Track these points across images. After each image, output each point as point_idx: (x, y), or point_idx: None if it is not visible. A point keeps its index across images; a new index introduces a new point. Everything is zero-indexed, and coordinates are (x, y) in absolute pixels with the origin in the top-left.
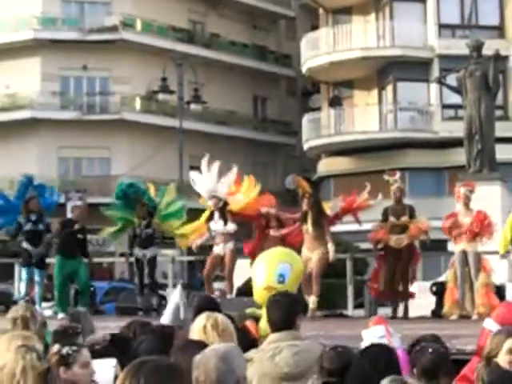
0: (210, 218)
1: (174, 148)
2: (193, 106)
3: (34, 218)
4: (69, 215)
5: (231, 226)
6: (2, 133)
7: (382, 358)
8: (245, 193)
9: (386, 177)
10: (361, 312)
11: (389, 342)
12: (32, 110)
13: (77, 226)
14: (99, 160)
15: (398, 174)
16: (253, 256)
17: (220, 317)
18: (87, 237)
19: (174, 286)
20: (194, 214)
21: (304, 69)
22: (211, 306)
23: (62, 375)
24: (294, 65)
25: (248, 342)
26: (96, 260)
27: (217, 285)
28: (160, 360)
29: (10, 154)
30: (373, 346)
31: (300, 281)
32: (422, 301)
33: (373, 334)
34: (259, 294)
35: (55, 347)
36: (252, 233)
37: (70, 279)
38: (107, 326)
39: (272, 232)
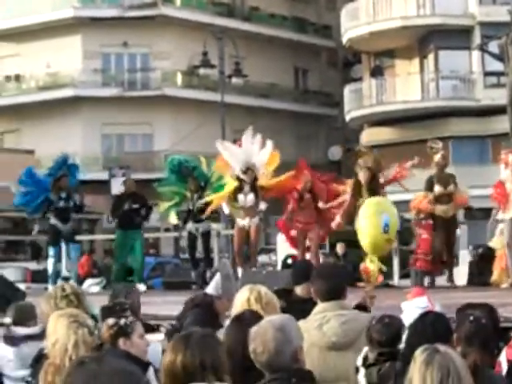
0: (239, 190)
1: (216, 122)
2: (234, 80)
3: (64, 195)
4: (114, 191)
5: (262, 205)
6: (45, 112)
7: (439, 325)
8: (265, 166)
9: (430, 144)
10: (407, 282)
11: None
12: (74, 88)
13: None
14: (142, 136)
15: (440, 143)
16: (286, 231)
17: (263, 289)
18: (151, 207)
19: (220, 259)
20: None
21: (344, 39)
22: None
23: (122, 346)
24: (335, 36)
25: None
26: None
27: (260, 258)
28: (202, 331)
29: (53, 132)
30: (429, 313)
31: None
32: (463, 268)
33: (416, 304)
34: (378, 246)
35: (110, 320)
36: (283, 205)
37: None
38: (154, 302)
39: (321, 205)
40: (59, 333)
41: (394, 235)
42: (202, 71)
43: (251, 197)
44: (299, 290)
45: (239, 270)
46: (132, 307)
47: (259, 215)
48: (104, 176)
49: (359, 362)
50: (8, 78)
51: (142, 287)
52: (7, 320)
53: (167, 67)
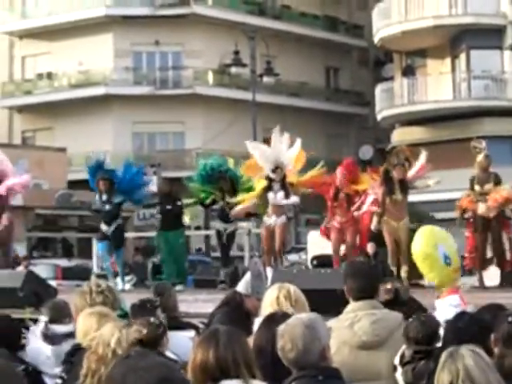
0: (269, 188)
1: (247, 121)
2: (265, 79)
3: (104, 198)
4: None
5: (294, 199)
6: (77, 110)
7: (474, 325)
8: (293, 164)
9: (473, 143)
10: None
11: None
12: (105, 87)
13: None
14: (173, 134)
15: (484, 143)
16: (328, 236)
17: (292, 287)
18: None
19: (251, 258)
20: None
21: (376, 39)
22: None
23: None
24: (366, 35)
25: None
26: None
27: (290, 257)
28: (227, 328)
29: (84, 130)
30: (465, 313)
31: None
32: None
33: (448, 302)
34: (449, 279)
35: (153, 320)
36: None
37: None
38: (185, 300)
39: (356, 213)
40: (104, 329)
41: (457, 261)
42: (233, 70)
43: (281, 194)
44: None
45: (268, 269)
46: (169, 305)
47: (285, 213)
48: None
49: (397, 360)
50: (40, 76)
51: (179, 287)
52: (44, 318)
53: (199, 66)
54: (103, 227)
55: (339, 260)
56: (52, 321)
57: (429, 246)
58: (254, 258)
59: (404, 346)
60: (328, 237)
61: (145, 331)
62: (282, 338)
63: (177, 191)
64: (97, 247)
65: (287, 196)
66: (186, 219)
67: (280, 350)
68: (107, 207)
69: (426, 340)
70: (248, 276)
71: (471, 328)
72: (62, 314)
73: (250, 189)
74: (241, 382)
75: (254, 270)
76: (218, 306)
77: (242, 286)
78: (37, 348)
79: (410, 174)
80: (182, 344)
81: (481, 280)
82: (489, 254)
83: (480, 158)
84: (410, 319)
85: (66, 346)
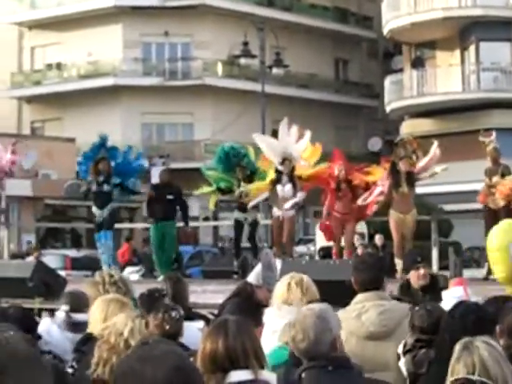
0: (278, 180)
1: (257, 112)
2: (274, 70)
3: (101, 179)
4: (153, 180)
5: (300, 195)
6: (86, 100)
7: (470, 315)
8: (306, 159)
9: (480, 138)
10: (446, 274)
11: None
12: (114, 77)
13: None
14: (182, 125)
15: (493, 135)
16: (327, 234)
17: (305, 277)
18: (185, 200)
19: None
20: None
21: (385, 30)
22: None
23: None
24: (375, 26)
25: None
26: (180, 225)
27: (298, 248)
28: (236, 318)
29: (93, 121)
30: (461, 303)
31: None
32: None
33: (451, 294)
34: None
35: (174, 313)
36: (321, 196)
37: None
38: (194, 290)
39: (360, 202)
40: (117, 318)
41: None
42: (242, 61)
43: (289, 187)
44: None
45: (277, 261)
46: (181, 295)
47: (295, 207)
48: (144, 165)
49: (400, 349)
50: (49, 67)
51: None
52: (64, 307)
53: (208, 57)
54: (96, 212)
55: (338, 251)
56: (72, 310)
57: (504, 240)
58: (265, 249)
59: (408, 335)
60: (326, 232)
61: (167, 327)
62: (294, 328)
63: (177, 182)
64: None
65: (295, 189)
66: (211, 206)
67: (291, 341)
68: (105, 188)
69: (430, 329)
70: (259, 267)
71: (467, 318)
72: (81, 303)
73: (262, 179)
74: (250, 372)
75: (264, 260)
76: (229, 296)
77: (252, 277)
78: (59, 337)
79: (420, 165)
80: (191, 334)
81: (488, 272)
82: None
83: (488, 150)
84: (416, 308)
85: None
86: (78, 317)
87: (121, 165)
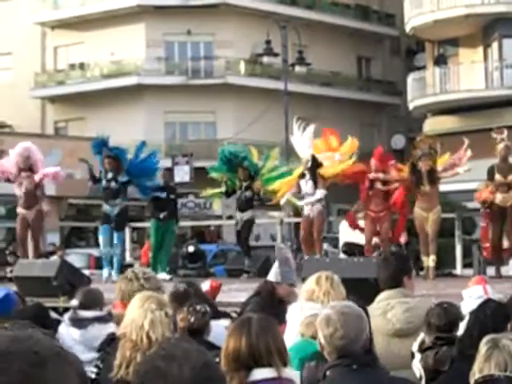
0: (303, 176)
1: (279, 110)
2: (297, 68)
3: (109, 176)
4: (177, 178)
5: (319, 193)
6: (109, 99)
7: (500, 313)
8: (343, 154)
9: (493, 134)
10: (470, 271)
11: None
12: (137, 76)
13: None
14: (205, 124)
15: (505, 132)
16: (354, 226)
17: (335, 275)
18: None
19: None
20: None
21: (408, 28)
22: None
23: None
24: (398, 24)
25: None
26: (204, 223)
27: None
28: (259, 315)
29: (116, 120)
30: (490, 301)
31: None
32: None
33: (471, 294)
34: None
35: (202, 308)
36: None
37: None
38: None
39: (379, 185)
40: (136, 312)
41: None
42: (265, 59)
43: (310, 184)
44: None
45: (306, 258)
46: (200, 294)
47: (321, 201)
48: (167, 164)
49: (415, 347)
50: (72, 66)
51: (165, 276)
52: (74, 303)
53: (230, 55)
54: (105, 207)
55: (371, 250)
56: (83, 307)
57: None
58: (279, 244)
59: (422, 334)
60: (354, 226)
61: (192, 319)
62: (333, 325)
63: (205, 179)
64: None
65: (316, 186)
66: (214, 207)
67: (325, 336)
68: (113, 185)
69: (447, 327)
70: (276, 264)
71: (496, 316)
72: (94, 301)
73: (272, 179)
74: (273, 370)
75: (280, 256)
76: (251, 295)
77: (271, 275)
78: (65, 332)
79: (448, 163)
80: (219, 332)
81: (497, 270)
82: (505, 243)
83: (499, 148)
84: (432, 306)
85: (95, 331)
86: (87, 313)
87: (133, 164)
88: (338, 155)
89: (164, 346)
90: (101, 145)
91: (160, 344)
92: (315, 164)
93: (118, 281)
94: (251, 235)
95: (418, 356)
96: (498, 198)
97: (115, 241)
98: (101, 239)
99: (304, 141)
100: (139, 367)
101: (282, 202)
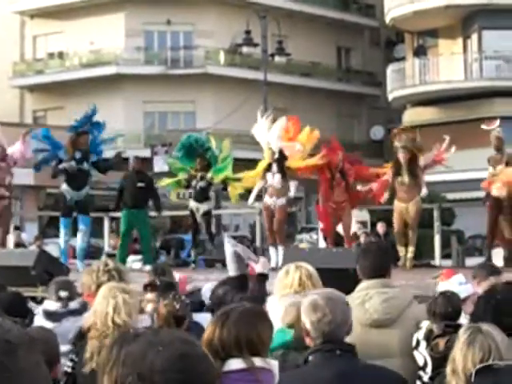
0: (268, 169)
1: (259, 101)
2: (277, 59)
3: (78, 155)
4: (156, 168)
5: (292, 188)
6: (88, 89)
7: (509, 296)
8: (303, 144)
9: (483, 126)
10: (448, 262)
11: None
12: (117, 66)
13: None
14: (184, 114)
15: (497, 123)
16: (326, 225)
17: (310, 267)
18: (156, 188)
19: (263, 238)
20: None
21: (387, 19)
22: None
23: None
24: (378, 15)
25: None
26: (183, 213)
27: (301, 237)
28: (244, 308)
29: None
30: (498, 286)
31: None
32: None
33: (454, 281)
34: None
35: (184, 298)
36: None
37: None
38: (196, 278)
39: (360, 187)
40: (99, 301)
41: None
42: (244, 50)
43: (278, 177)
44: None
45: (270, 249)
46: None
47: (286, 195)
48: (146, 153)
49: (421, 335)
50: (51, 56)
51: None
52: (63, 294)
53: (210, 45)
54: (69, 192)
55: (333, 241)
56: (57, 298)
57: None
58: (221, 237)
59: (426, 322)
60: (321, 218)
61: (177, 306)
62: (322, 310)
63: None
64: (61, 223)
65: (284, 178)
66: (172, 197)
67: (314, 321)
68: (85, 166)
69: (452, 315)
70: (228, 259)
71: (508, 300)
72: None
73: (223, 169)
74: (241, 361)
75: (229, 253)
76: (219, 283)
77: (232, 270)
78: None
79: (428, 158)
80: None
81: (489, 259)
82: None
83: (492, 138)
84: (435, 296)
85: (69, 324)
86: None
87: (93, 143)
88: (299, 145)
89: (148, 332)
90: (89, 118)
91: (146, 331)
92: (283, 156)
93: (83, 273)
94: (224, 225)
95: (423, 344)
96: (493, 188)
97: (81, 227)
98: (63, 232)
99: (273, 132)
100: (114, 342)
101: (250, 202)
